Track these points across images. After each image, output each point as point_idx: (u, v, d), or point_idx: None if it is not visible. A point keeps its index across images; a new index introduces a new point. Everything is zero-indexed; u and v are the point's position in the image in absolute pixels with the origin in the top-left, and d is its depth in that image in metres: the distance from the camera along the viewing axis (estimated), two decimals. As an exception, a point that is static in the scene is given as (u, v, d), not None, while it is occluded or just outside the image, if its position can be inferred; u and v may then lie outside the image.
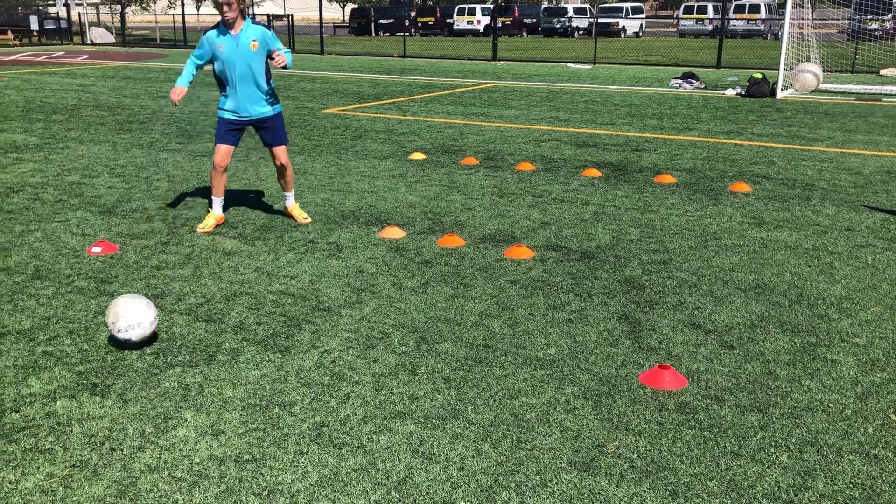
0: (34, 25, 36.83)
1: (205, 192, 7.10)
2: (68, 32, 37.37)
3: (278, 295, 4.69)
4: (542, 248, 5.61)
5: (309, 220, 6.23)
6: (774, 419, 3.30)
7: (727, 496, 2.79)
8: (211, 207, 6.09)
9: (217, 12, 5.41)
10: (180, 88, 5.67)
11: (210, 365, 3.78)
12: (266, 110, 5.91)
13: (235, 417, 3.31)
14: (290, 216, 6.34)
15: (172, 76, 19.67)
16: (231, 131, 5.90)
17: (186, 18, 34.64)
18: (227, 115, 5.86)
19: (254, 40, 5.67)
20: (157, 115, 12.37)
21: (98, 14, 45.00)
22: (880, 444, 3.12)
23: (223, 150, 5.88)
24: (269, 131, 5.99)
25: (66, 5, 36.83)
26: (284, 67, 5.60)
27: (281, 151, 6.04)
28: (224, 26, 5.66)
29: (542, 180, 7.81)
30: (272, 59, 5.72)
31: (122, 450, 3.06)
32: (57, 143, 9.89)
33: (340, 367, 3.76)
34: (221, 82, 5.83)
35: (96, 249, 5.45)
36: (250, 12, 5.74)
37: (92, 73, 20.73)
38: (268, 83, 5.88)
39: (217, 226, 6.07)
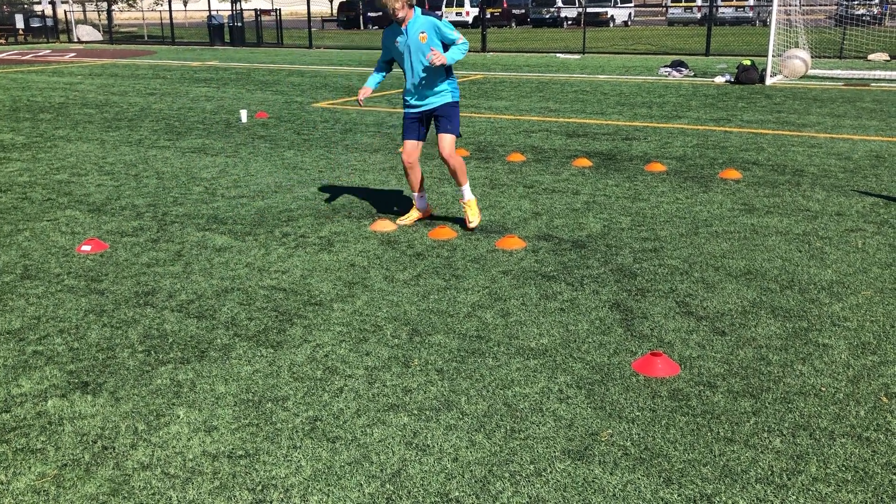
0: (20, 24, 36.49)
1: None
2: (54, 30, 37.07)
3: (269, 290, 4.68)
4: (534, 238, 5.61)
5: (474, 223, 5.78)
6: (767, 404, 3.31)
7: (721, 482, 2.80)
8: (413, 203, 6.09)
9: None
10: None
11: (202, 361, 3.77)
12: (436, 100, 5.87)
13: (228, 413, 3.30)
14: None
15: (161, 73, 19.58)
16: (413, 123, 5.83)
17: (174, 14, 34.44)
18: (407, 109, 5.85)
19: (422, 32, 5.66)
20: (145, 112, 12.30)
21: (84, 11, 44.71)
22: (872, 427, 3.13)
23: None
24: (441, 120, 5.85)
25: (52, 3, 36.56)
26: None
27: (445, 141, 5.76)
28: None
29: (533, 171, 7.81)
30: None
31: (114, 448, 3.05)
32: (45, 141, 9.83)
33: (333, 361, 3.75)
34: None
35: (86, 248, 5.42)
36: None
37: (79, 71, 20.60)
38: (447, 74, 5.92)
39: (420, 220, 6.04)
